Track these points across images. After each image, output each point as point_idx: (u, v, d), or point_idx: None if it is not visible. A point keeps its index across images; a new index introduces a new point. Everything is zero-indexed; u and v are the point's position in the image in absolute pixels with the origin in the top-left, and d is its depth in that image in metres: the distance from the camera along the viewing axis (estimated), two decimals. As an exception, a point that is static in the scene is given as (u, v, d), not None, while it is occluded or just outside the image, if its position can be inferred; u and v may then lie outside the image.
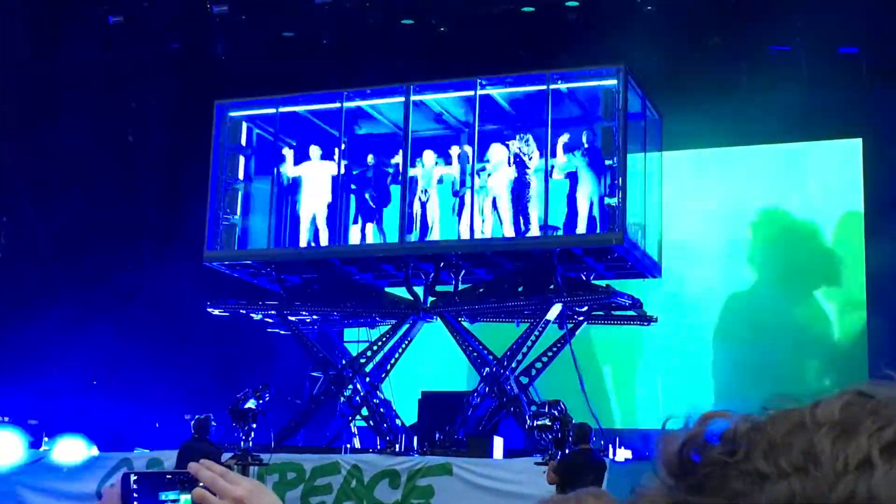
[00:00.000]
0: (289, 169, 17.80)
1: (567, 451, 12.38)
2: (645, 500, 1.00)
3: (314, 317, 17.99)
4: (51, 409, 18.76)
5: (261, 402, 13.04)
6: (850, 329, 18.85)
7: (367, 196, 17.47)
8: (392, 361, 17.48)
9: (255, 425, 12.81)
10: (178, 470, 1.98)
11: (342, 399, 17.54)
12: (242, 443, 12.63)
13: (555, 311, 16.23)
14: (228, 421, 13.97)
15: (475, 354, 16.67)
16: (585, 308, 16.64)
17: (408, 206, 16.66)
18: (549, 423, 13.20)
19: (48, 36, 20.13)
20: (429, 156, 17.14)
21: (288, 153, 17.86)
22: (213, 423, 12.82)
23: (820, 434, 0.91)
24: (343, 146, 17.50)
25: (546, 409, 13.47)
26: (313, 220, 17.51)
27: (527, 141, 16.41)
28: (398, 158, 17.11)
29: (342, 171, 17.48)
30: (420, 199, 16.94)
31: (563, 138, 16.38)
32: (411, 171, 16.88)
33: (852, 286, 18.98)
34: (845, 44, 17.84)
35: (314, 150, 17.70)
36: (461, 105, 17.27)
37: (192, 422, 13.10)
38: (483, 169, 16.70)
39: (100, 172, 20.87)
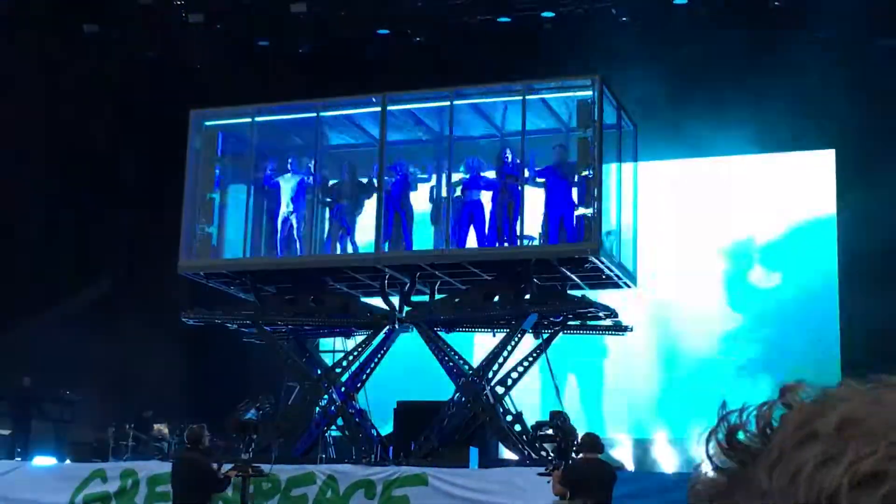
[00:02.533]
0: (267, 180, 17.73)
1: (572, 461, 12.16)
2: (695, 489, 0.92)
3: (289, 326, 17.94)
4: (24, 419, 18.65)
5: (261, 412, 12.93)
6: (825, 338, 18.93)
7: (341, 207, 17.41)
8: (368, 371, 17.43)
9: (255, 436, 12.71)
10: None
11: (317, 409, 17.49)
12: (243, 454, 12.50)
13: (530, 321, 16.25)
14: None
15: (451, 364, 16.66)
16: (561, 318, 16.66)
17: (384, 216, 16.65)
18: (553, 434, 13.11)
19: (25, 45, 20.03)
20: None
21: (267, 165, 17.77)
22: (207, 433, 12.57)
23: (812, 453, 0.83)
24: (316, 159, 17.48)
25: (549, 420, 13.42)
26: (289, 230, 17.44)
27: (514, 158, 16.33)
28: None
29: (314, 181, 17.44)
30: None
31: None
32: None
33: (826, 295, 19.09)
34: (824, 55, 17.90)
35: (290, 165, 17.67)
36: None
37: (186, 432, 12.86)
38: (459, 182, 16.69)
39: (73, 181, 20.78)
